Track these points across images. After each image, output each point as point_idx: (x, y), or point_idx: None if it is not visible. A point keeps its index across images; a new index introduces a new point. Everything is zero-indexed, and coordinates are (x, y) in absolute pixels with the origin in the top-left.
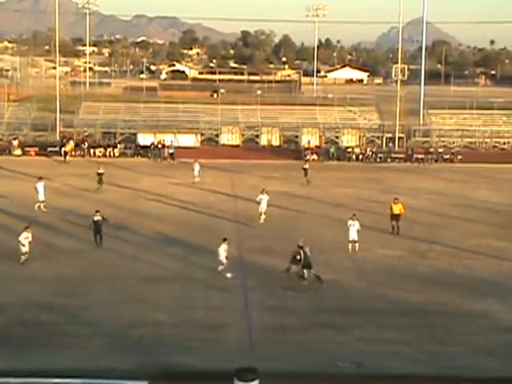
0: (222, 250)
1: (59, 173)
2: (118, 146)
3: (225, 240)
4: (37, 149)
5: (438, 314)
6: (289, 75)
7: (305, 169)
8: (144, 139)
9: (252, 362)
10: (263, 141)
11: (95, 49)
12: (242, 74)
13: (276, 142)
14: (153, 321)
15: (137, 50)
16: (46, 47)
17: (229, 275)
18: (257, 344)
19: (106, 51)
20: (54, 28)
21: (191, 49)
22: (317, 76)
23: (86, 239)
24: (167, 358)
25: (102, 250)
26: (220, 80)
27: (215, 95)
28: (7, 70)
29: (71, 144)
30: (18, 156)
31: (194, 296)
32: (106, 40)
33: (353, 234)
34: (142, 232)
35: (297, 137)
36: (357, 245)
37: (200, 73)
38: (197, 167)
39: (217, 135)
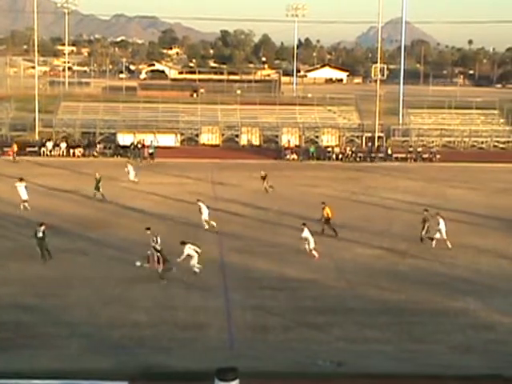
0: (192, 251)
1: (36, 173)
2: (98, 145)
3: (184, 243)
4: (15, 149)
5: (416, 313)
6: (268, 75)
7: (263, 177)
8: (124, 139)
9: (233, 362)
10: (243, 140)
11: (74, 48)
12: (222, 73)
13: (256, 142)
14: (132, 321)
15: (116, 49)
16: (25, 47)
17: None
18: (237, 344)
19: (85, 51)
20: (33, 27)
21: (171, 48)
22: (296, 76)
23: (68, 238)
24: (147, 359)
25: (81, 250)
26: (200, 80)
27: (195, 95)
28: None
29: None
30: None
31: (173, 296)
32: (85, 39)
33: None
34: (121, 232)
35: (277, 136)
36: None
37: (180, 72)
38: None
39: (197, 135)
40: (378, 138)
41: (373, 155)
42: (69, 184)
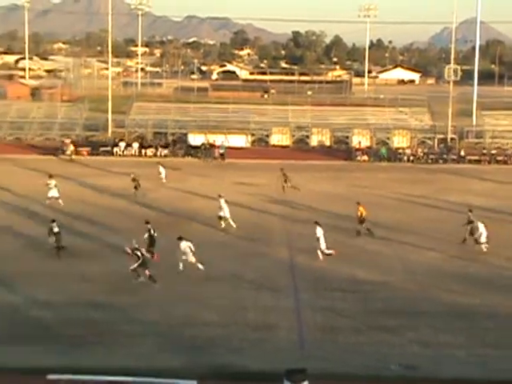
0: (188, 249)
1: (104, 173)
2: (176, 145)
3: (181, 239)
4: (89, 149)
5: (489, 317)
6: (340, 76)
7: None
8: (194, 139)
9: (302, 363)
10: (313, 141)
11: (147, 49)
12: (293, 74)
13: (326, 143)
14: (204, 320)
15: (188, 50)
16: (99, 48)
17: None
18: (307, 345)
19: (157, 52)
20: (107, 29)
21: (242, 49)
22: (368, 76)
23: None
24: (218, 358)
25: (154, 249)
26: (271, 80)
27: (266, 96)
28: (61, 71)
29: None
30: (70, 155)
31: (244, 296)
32: (158, 41)
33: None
34: (193, 232)
35: (347, 137)
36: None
37: (251, 73)
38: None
39: (267, 136)
40: (451, 139)
41: (445, 157)
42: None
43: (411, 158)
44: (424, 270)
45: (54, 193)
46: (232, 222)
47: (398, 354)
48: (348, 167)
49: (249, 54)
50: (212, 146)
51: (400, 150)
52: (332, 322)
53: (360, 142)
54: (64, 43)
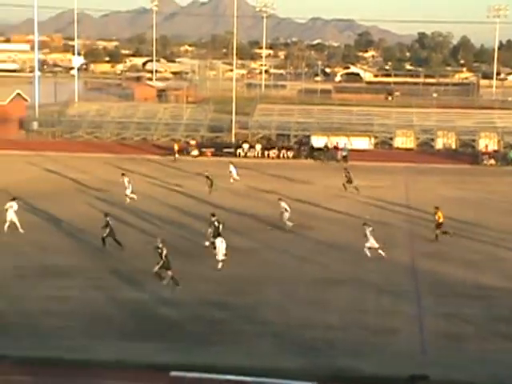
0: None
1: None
2: (292, 148)
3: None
4: (213, 150)
5: None
6: (466, 78)
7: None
8: (317, 141)
9: (424, 370)
10: (438, 144)
11: (271, 51)
12: (418, 76)
13: (452, 146)
14: (323, 323)
15: (312, 52)
16: (224, 50)
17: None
18: (429, 351)
19: (281, 54)
20: (232, 31)
21: (366, 51)
22: (496, 79)
23: (258, 239)
24: (337, 361)
25: (273, 250)
26: (395, 83)
27: (390, 98)
28: (186, 73)
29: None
30: (195, 156)
31: (365, 299)
32: (282, 43)
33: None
34: (314, 234)
35: (473, 141)
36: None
37: (375, 75)
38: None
39: (390, 138)
40: None
41: None
42: (265, 185)
43: None
44: None
45: (128, 191)
46: (289, 223)
47: None
48: (474, 171)
49: (373, 56)
50: (335, 148)
51: None
52: (455, 328)
53: (487, 146)
54: (190, 45)
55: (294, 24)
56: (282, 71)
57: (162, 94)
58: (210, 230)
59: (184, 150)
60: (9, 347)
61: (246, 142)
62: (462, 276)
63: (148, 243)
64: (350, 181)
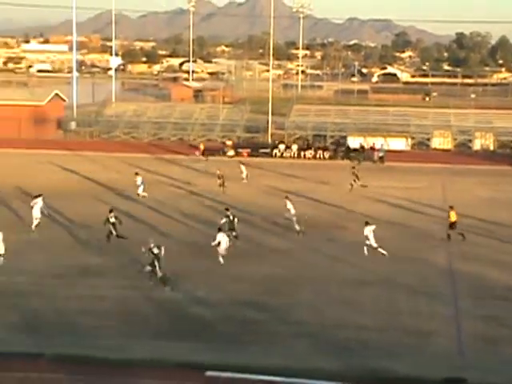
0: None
1: (258, 174)
2: (328, 148)
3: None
4: (249, 150)
5: None
6: (505, 78)
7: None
8: (354, 142)
9: (461, 373)
10: (476, 145)
11: (308, 52)
12: (456, 77)
13: (490, 147)
14: (357, 323)
15: (349, 52)
16: (261, 51)
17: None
18: (467, 354)
19: (318, 54)
20: (269, 32)
21: (403, 51)
22: None
23: (293, 239)
24: (372, 362)
25: (309, 250)
26: (432, 83)
27: (427, 98)
28: (223, 74)
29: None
30: (231, 157)
31: (399, 300)
32: (319, 43)
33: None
34: (349, 234)
35: None
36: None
37: (412, 76)
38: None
39: (428, 139)
40: None
41: None
42: (299, 186)
43: None
44: None
45: (140, 190)
46: (297, 226)
47: None
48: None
49: (410, 57)
50: (371, 148)
51: None
52: (494, 331)
53: None
54: (227, 46)
55: (330, 24)
56: (318, 72)
57: (198, 95)
58: (223, 221)
59: (220, 151)
60: (44, 345)
61: (282, 142)
62: (497, 278)
63: (184, 244)
64: (356, 179)
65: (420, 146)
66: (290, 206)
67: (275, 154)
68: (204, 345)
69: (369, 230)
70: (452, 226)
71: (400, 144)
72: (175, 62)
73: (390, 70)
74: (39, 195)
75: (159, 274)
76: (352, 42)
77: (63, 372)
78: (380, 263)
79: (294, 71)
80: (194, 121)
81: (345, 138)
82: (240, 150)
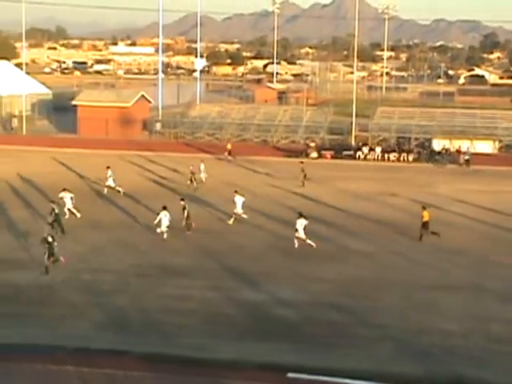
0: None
1: (349, 176)
2: (413, 151)
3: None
4: (332, 152)
5: None
6: None
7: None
8: (439, 144)
9: None
10: None
11: (393, 53)
12: None
13: None
14: (443, 329)
15: (435, 54)
16: (345, 52)
17: None
18: None
19: (403, 56)
20: (353, 33)
21: (492, 53)
22: None
23: (378, 242)
24: (457, 369)
25: (392, 253)
26: None
27: None
28: (307, 75)
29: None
30: (315, 159)
31: (486, 306)
32: (404, 44)
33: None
34: (434, 238)
35: None
36: None
37: (500, 77)
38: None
39: None
40: None
41: None
42: (384, 188)
43: None
44: None
45: (110, 182)
46: (244, 216)
47: None
48: None
49: (499, 58)
50: (457, 151)
51: None
52: None
53: None
54: (311, 48)
55: (416, 25)
56: (403, 73)
57: (282, 96)
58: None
59: (303, 152)
60: (129, 343)
61: (365, 144)
62: None
63: (270, 246)
64: (305, 176)
65: (508, 149)
66: (238, 199)
67: (359, 156)
68: (287, 346)
69: (300, 224)
70: (424, 225)
71: (486, 147)
72: (259, 63)
73: (477, 71)
74: (64, 189)
75: (46, 262)
76: (438, 44)
77: (148, 370)
78: (467, 268)
79: (379, 73)
80: (278, 122)
81: (429, 140)
82: (323, 152)
